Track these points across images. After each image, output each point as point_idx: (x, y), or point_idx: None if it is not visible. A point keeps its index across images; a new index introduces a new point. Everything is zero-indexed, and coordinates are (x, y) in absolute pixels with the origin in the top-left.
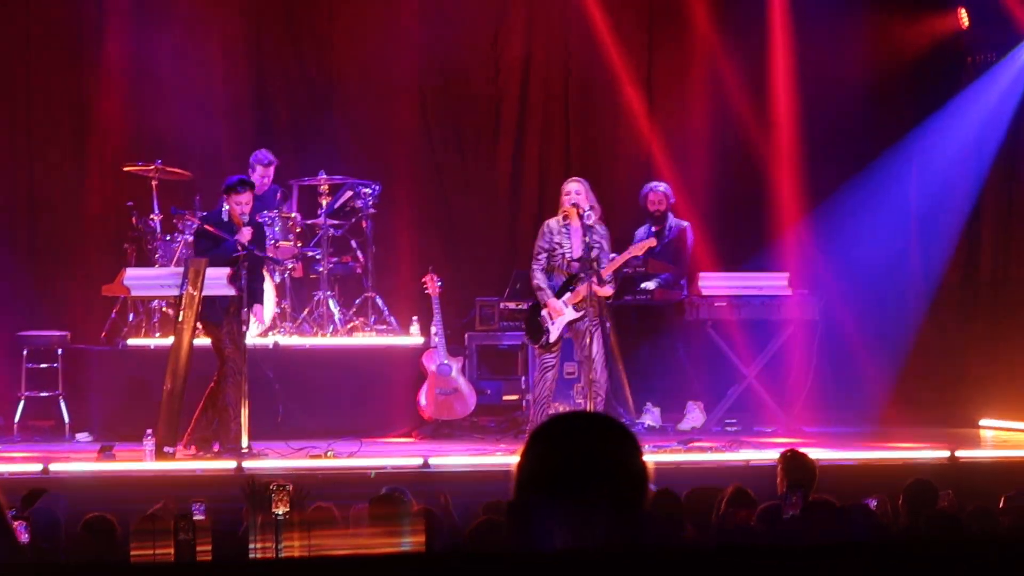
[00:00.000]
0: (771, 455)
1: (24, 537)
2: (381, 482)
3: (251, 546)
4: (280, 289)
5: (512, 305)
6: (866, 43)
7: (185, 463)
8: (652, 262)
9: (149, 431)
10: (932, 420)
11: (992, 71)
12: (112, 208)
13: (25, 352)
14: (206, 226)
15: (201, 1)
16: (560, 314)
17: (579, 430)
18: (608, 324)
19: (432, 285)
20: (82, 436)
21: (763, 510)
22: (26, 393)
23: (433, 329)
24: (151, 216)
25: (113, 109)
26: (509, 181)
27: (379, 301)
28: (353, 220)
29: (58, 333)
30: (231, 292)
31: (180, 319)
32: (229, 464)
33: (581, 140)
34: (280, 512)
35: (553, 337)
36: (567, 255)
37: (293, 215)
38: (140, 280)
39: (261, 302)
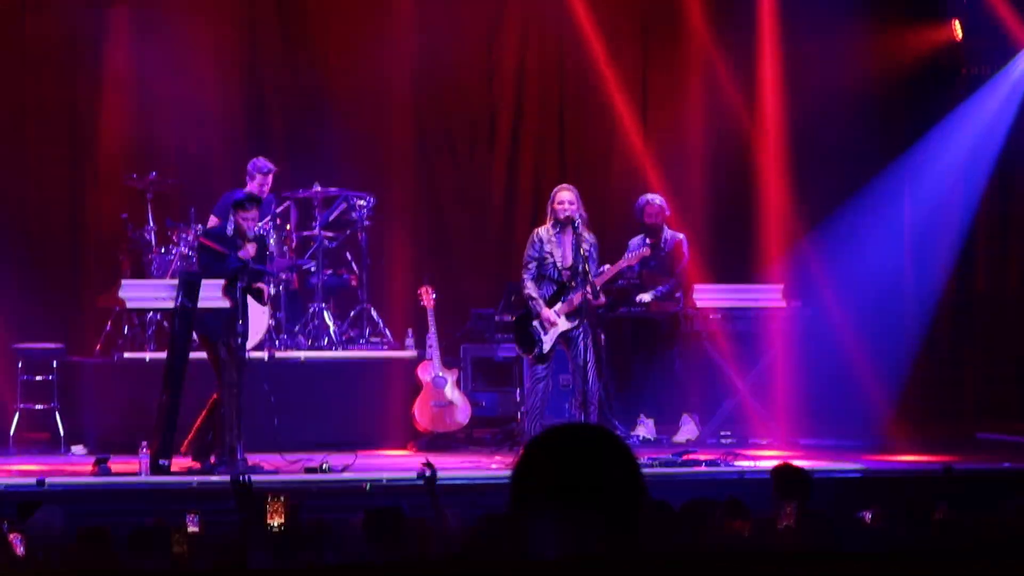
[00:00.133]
0: (766, 467)
1: (20, 550)
2: (376, 494)
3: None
4: (275, 301)
5: (507, 317)
6: (860, 55)
7: (180, 476)
8: (647, 274)
9: (144, 444)
10: (928, 433)
11: (987, 84)
12: (107, 220)
13: (20, 364)
14: (208, 241)
15: (195, 13)
16: (554, 324)
17: (574, 442)
18: (602, 336)
19: (427, 297)
20: (77, 449)
21: (757, 521)
22: (21, 405)
23: (428, 341)
24: (146, 228)
25: (108, 121)
26: (504, 193)
27: (374, 313)
28: (348, 232)
29: (53, 345)
30: (226, 304)
31: (175, 331)
32: (224, 477)
33: (576, 151)
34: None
35: (547, 348)
36: (558, 264)
37: (287, 227)
38: (135, 292)
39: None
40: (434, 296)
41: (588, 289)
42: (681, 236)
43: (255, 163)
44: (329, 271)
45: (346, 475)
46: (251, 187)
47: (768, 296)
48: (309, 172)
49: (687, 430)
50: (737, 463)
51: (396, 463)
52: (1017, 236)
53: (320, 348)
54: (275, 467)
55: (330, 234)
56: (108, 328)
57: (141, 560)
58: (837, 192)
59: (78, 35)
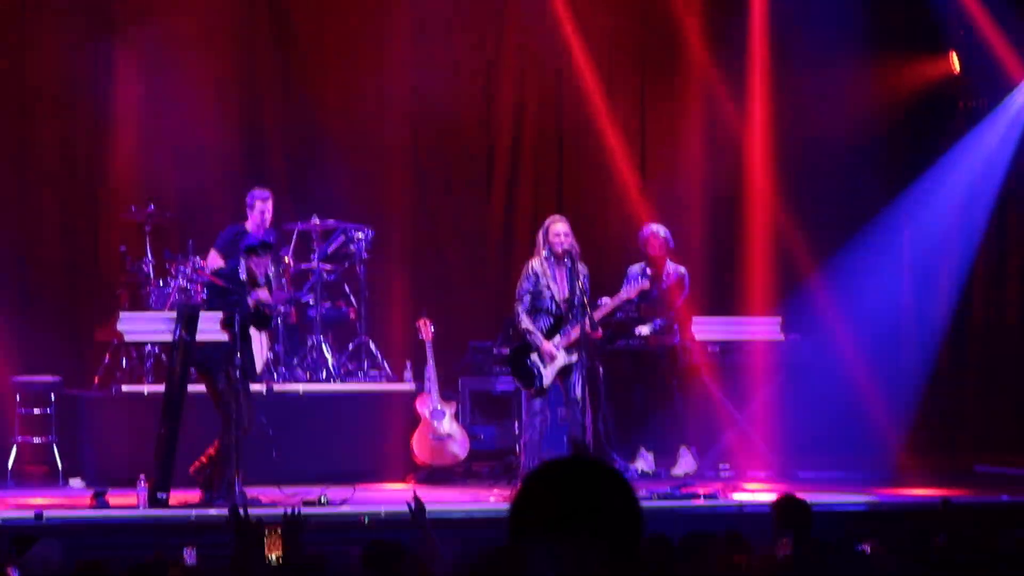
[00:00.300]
0: (764, 500)
1: None
2: (374, 528)
3: None
4: (273, 334)
5: (505, 350)
6: (859, 88)
7: (178, 509)
8: (646, 307)
9: (143, 477)
10: (927, 466)
11: (987, 118)
12: (105, 253)
13: (18, 397)
14: (217, 279)
15: (193, 49)
16: (554, 357)
17: (572, 475)
18: (600, 370)
19: (425, 330)
20: (75, 482)
21: (757, 555)
22: (19, 439)
23: (426, 374)
24: (144, 261)
25: (106, 155)
26: (501, 226)
27: (372, 346)
28: (346, 265)
29: (51, 378)
30: (224, 338)
31: (173, 364)
32: (222, 511)
33: (573, 185)
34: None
35: (547, 381)
36: (556, 297)
37: (286, 259)
38: (133, 325)
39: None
40: (432, 329)
41: (587, 322)
42: (683, 270)
43: (252, 193)
44: (328, 304)
45: (344, 508)
46: (252, 218)
47: (766, 329)
48: (308, 205)
49: (685, 463)
50: (736, 496)
51: (394, 496)
52: (1016, 270)
53: (319, 381)
54: (273, 500)
55: (328, 267)
56: (106, 361)
57: None
58: (837, 225)
59: (77, 72)
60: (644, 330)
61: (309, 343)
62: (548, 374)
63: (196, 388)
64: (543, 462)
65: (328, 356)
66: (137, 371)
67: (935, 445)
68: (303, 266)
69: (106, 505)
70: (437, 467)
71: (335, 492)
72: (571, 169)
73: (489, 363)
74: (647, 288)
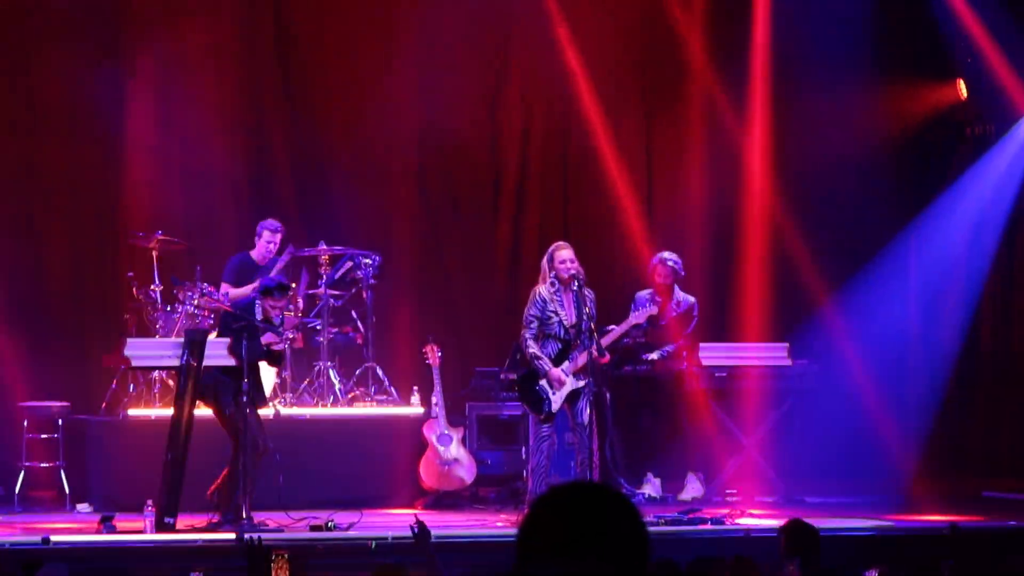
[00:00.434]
0: (772, 525)
1: None
2: (381, 554)
3: None
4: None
5: (512, 375)
6: (865, 114)
7: (185, 534)
8: (655, 333)
9: (149, 502)
10: (935, 491)
11: (995, 146)
12: (112, 279)
13: (26, 423)
14: (235, 323)
15: (200, 75)
16: (562, 383)
17: (579, 500)
18: (608, 395)
19: (432, 355)
20: (83, 507)
21: None
22: (26, 464)
23: (434, 399)
24: (151, 287)
25: (112, 181)
26: (508, 252)
27: (379, 371)
28: (353, 291)
29: (59, 404)
30: (231, 362)
31: (180, 390)
32: (229, 535)
33: (579, 212)
34: None
35: (556, 407)
36: (564, 322)
37: (294, 285)
38: (141, 351)
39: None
40: (439, 354)
41: (594, 347)
42: (693, 300)
43: (263, 224)
44: (335, 329)
45: (352, 533)
46: (259, 246)
47: (774, 355)
48: (315, 231)
49: (692, 488)
50: (742, 521)
51: (402, 521)
52: (1022, 295)
53: (326, 406)
54: (280, 525)
55: (336, 292)
56: (114, 386)
57: None
58: (844, 251)
59: (85, 98)
60: (652, 356)
61: (316, 368)
62: (557, 399)
63: (204, 413)
64: (550, 487)
65: (335, 381)
66: (144, 396)
67: (943, 471)
68: (310, 291)
69: (113, 530)
70: (444, 492)
71: (342, 517)
72: (577, 195)
73: (496, 388)
74: (655, 313)
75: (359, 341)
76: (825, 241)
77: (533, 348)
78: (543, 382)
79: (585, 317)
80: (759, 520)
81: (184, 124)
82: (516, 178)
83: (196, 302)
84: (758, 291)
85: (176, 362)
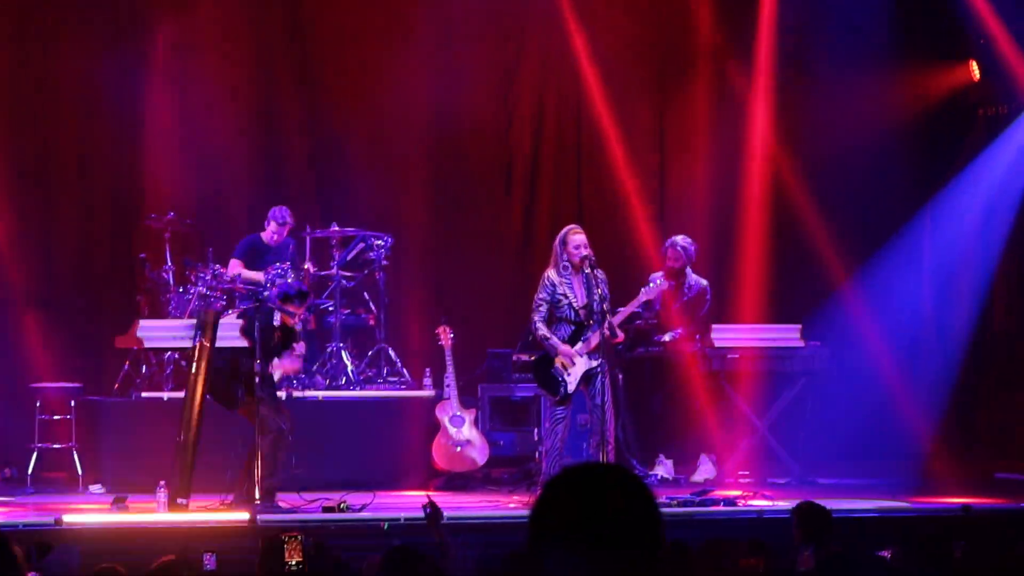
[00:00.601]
0: (784, 506)
1: None
2: (394, 534)
3: None
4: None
5: (524, 357)
6: (878, 97)
7: (198, 515)
8: (667, 316)
9: (162, 483)
10: (946, 473)
11: (1009, 128)
12: (125, 260)
13: (38, 404)
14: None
15: (212, 57)
16: (573, 358)
17: (592, 481)
18: (620, 377)
19: (445, 337)
20: (95, 488)
21: (776, 561)
22: (39, 445)
23: (446, 381)
24: (164, 268)
25: (125, 162)
26: (520, 234)
27: (392, 353)
28: (366, 272)
29: (71, 385)
30: (243, 344)
31: (193, 371)
32: (242, 516)
33: (593, 194)
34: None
35: (571, 388)
36: (574, 304)
37: (306, 266)
38: (153, 332)
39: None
40: (452, 336)
41: (607, 327)
42: (705, 283)
43: (274, 211)
44: (347, 311)
45: (364, 514)
46: (268, 230)
47: (786, 336)
48: (327, 213)
49: (705, 469)
50: (755, 502)
51: (414, 502)
52: None
53: (338, 388)
54: (293, 506)
55: (348, 273)
56: (126, 367)
57: None
58: (857, 233)
59: (96, 80)
60: (665, 337)
61: (328, 350)
62: (572, 381)
63: None
64: (564, 468)
65: (347, 363)
66: (157, 378)
67: (956, 452)
68: (322, 273)
69: (126, 511)
70: (456, 473)
71: (355, 498)
72: (589, 178)
73: (508, 370)
74: (665, 289)
75: (371, 322)
76: (838, 223)
77: (542, 329)
78: (558, 364)
79: (597, 298)
80: (771, 501)
81: (197, 106)
82: (529, 161)
83: (208, 281)
84: (771, 273)
85: (188, 343)
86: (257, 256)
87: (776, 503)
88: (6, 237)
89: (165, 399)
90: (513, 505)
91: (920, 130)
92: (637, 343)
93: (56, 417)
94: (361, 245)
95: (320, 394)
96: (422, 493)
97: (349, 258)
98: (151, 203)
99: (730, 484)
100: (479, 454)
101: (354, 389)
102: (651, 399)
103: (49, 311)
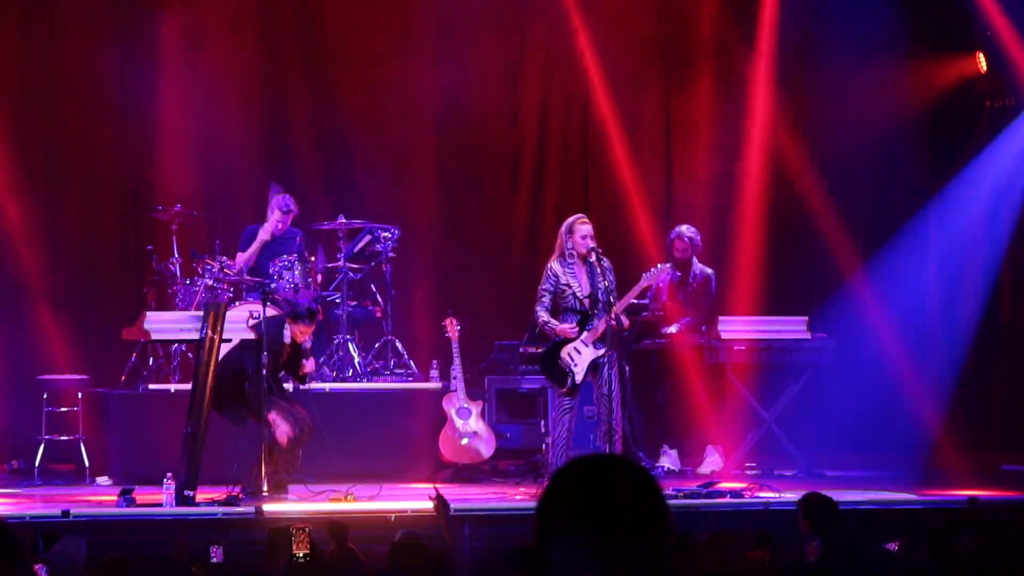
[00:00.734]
0: (791, 498)
1: None
2: (401, 526)
3: None
4: None
5: (531, 349)
6: (885, 88)
7: (205, 507)
8: (673, 307)
9: (169, 475)
10: (953, 465)
11: (1015, 120)
12: (132, 252)
13: (45, 396)
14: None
15: (218, 49)
16: (568, 336)
17: (599, 473)
18: (627, 368)
19: (452, 329)
20: (102, 480)
21: (783, 552)
22: (46, 437)
23: (452, 373)
24: (171, 260)
25: (132, 154)
26: (527, 226)
27: (399, 345)
28: (372, 264)
29: (78, 377)
30: (250, 335)
31: (200, 363)
32: (248, 508)
33: (599, 185)
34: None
35: (579, 378)
36: (578, 294)
37: (312, 259)
38: (160, 324)
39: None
40: (459, 328)
41: (612, 316)
42: (710, 272)
43: (277, 199)
44: (354, 303)
45: (371, 506)
46: (271, 220)
47: (793, 328)
48: (334, 205)
49: (712, 461)
50: (762, 494)
51: (421, 494)
52: None
53: (345, 379)
54: (300, 498)
55: (355, 266)
56: (133, 359)
57: None
58: (863, 225)
59: (102, 71)
60: (672, 329)
61: (335, 342)
62: (579, 371)
63: None
64: (571, 459)
65: (354, 355)
66: (164, 370)
67: (963, 444)
68: (329, 265)
69: (133, 503)
70: (463, 465)
71: (362, 490)
72: (596, 170)
73: (515, 361)
74: (671, 279)
75: (378, 315)
76: (845, 215)
77: (543, 316)
78: (564, 355)
79: (602, 288)
80: (778, 493)
81: (204, 98)
82: (535, 152)
83: (215, 273)
84: (777, 266)
85: (195, 335)
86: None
87: (783, 495)
88: (14, 229)
89: (172, 391)
90: (520, 497)
91: (927, 122)
92: (644, 335)
93: (63, 409)
94: (368, 237)
95: (327, 386)
96: (429, 485)
97: (356, 250)
98: (158, 195)
99: (737, 476)
100: (486, 446)
101: (361, 381)
102: (657, 391)
103: (56, 303)
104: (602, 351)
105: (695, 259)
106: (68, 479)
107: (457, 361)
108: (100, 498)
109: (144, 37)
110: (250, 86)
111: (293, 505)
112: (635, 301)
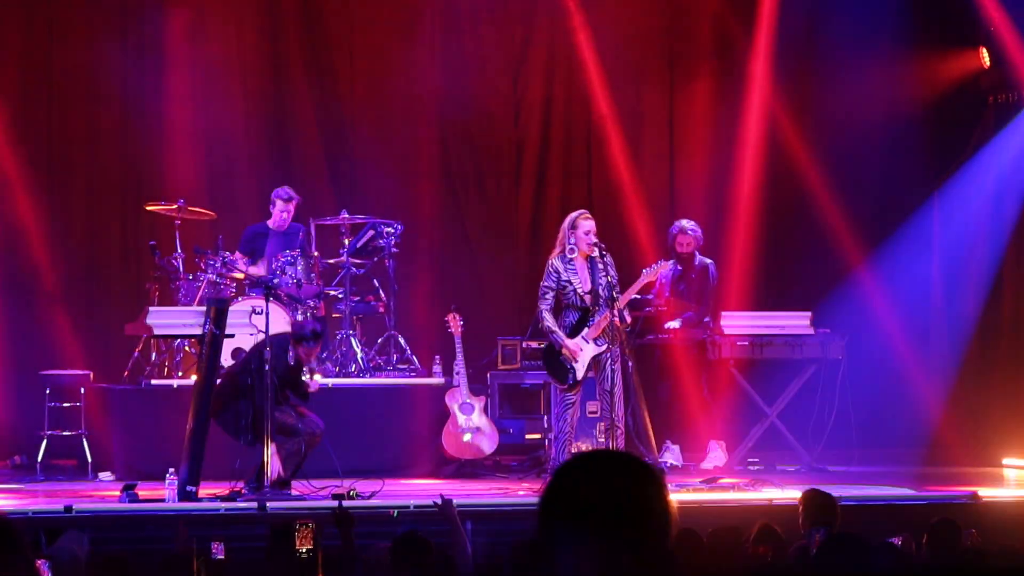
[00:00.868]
0: (794, 494)
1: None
2: (403, 522)
3: None
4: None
5: (534, 344)
6: (888, 83)
7: (207, 503)
8: (674, 301)
9: (172, 470)
10: (955, 460)
11: (1018, 116)
12: (135, 248)
13: (48, 391)
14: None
15: (221, 44)
16: (578, 353)
17: (602, 468)
18: (631, 364)
19: (455, 324)
20: (105, 475)
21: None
22: (49, 432)
23: (455, 368)
24: (174, 256)
25: (135, 148)
26: (530, 221)
27: (401, 340)
28: (375, 259)
29: (81, 372)
30: (252, 331)
31: (203, 358)
32: (251, 504)
33: (602, 181)
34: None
35: (580, 375)
36: (579, 290)
37: (315, 254)
38: (163, 319)
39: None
40: (462, 323)
41: (615, 311)
42: (709, 262)
43: (277, 191)
44: (356, 298)
45: (374, 502)
46: (274, 215)
47: (796, 323)
48: (337, 200)
49: (715, 456)
50: (764, 490)
51: (423, 490)
52: None
53: (348, 375)
54: (302, 493)
55: (358, 261)
56: (136, 355)
57: None
58: (866, 220)
59: (103, 65)
60: (674, 324)
61: (338, 337)
62: (580, 367)
63: None
64: (574, 455)
65: (357, 350)
66: (166, 365)
67: (964, 439)
68: (332, 260)
69: (135, 498)
70: (466, 461)
71: (364, 486)
72: (599, 164)
73: (518, 357)
74: (666, 270)
75: (381, 310)
76: (849, 210)
77: (548, 321)
78: (567, 352)
79: (604, 283)
80: (781, 488)
81: (207, 93)
82: (538, 147)
83: (218, 268)
84: (781, 260)
85: (198, 331)
86: (259, 244)
87: (786, 490)
88: (17, 224)
89: (175, 386)
90: (523, 492)
91: (930, 117)
92: (646, 330)
93: (66, 404)
94: (371, 232)
95: (330, 381)
96: (431, 481)
97: (359, 245)
98: (161, 190)
99: (740, 471)
100: (489, 441)
101: (364, 376)
102: (660, 386)
103: (59, 298)
104: (603, 347)
105: (696, 252)
106: (71, 474)
107: (460, 356)
108: (103, 493)
109: (147, 31)
110: (254, 81)
111: (296, 501)
112: (636, 296)
